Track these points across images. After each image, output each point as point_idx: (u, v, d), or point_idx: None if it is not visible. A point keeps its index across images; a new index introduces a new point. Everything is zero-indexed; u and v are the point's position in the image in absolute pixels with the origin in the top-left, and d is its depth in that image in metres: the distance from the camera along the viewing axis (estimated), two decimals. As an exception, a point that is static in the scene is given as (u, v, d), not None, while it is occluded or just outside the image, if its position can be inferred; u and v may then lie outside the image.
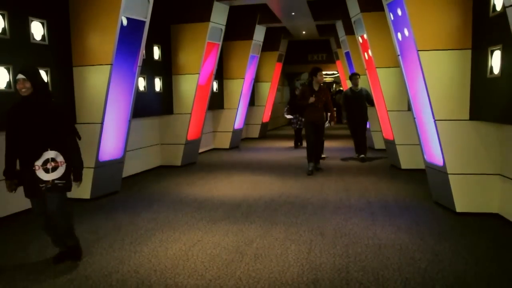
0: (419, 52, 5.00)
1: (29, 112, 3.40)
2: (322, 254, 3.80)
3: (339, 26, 11.87)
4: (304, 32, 14.28)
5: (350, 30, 10.15)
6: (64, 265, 3.61)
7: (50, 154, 3.43)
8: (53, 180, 3.44)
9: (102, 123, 5.70)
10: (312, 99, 7.32)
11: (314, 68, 7.52)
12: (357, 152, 9.35)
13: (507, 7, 3.64)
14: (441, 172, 5.14)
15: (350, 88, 9.09)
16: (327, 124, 7.58)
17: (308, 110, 7.52)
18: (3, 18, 4.77)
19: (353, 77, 9.12)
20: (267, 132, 16.03)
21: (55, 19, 5.50)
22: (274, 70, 14.58)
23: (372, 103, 8.83)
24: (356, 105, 8.88)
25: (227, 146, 11.63)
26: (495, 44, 4.34)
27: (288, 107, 11.41)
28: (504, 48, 4.20)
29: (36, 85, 3.37)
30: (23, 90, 3.34)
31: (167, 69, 8.38)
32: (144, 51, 6.62)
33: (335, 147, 11.34)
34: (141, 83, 7.50)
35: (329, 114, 8.12)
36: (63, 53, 5.66)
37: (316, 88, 7.46)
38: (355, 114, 8.94)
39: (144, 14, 6.09)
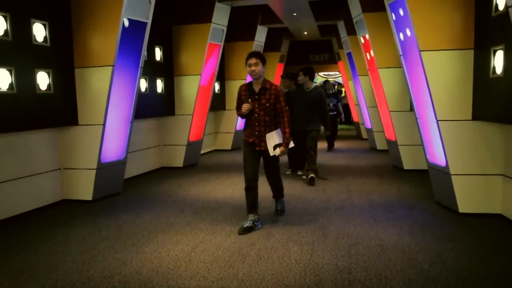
0: (421, 52, 4.99)
1: None
2: (325, 255, 3.79)
3: (341, 27, 11.88)
4: (305, 33, 14.28)
5: (352, 31, 10.16)
6: (66, 267, 3.61)
7: None
8: None
9: (104, 125, 5.70)
10: (246, 107, 4.50)
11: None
12: (291, 167, 7.68)
13: (510, 6, 3.63)
14: (443, 173, 5.13)
15: (301, 85, 7.17)
16: (273, 152, 4.48)
17: (246, 124, 4.75)
18: (5, 20, 4.77)
19: (302, 72, 7.08)
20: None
21: (57, 20, 5.51)
22: (276, 71, 14.58)
23: (323, 111, 6.91)
24: (302, 108, 6.89)
25: (229, 147, 11.64)
26: (498, 44, 4.33)
27: None
28: (506, 48, 4.18)
29: None
30: None
31: (168, 70, 8.39)
32: (145, 52, 6.62)
33: (339, 148, 11.30)
34: (143, 84, 7.51)
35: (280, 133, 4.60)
36: (65, 54, 5.66)
37: (256, 88, 4.55)
38: (298, 118, 6.84)
39: (146, 15, 6.10)
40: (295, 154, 7.48)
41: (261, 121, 4.51)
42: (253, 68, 4.46)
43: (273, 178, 4.84)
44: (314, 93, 6.93)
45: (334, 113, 10.85)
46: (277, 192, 5.07)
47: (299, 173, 7.53)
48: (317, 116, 6.93)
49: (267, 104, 4.48)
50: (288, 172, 7.71)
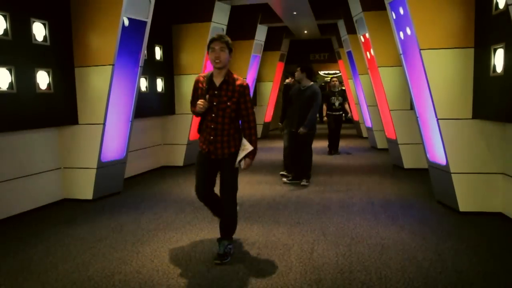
0: (421, 51, 4.99)
1: None
2: (325, 254, 3.79)
3: (341, 26, 11.87)
4: (305, 32, 14.27)
5: (352, 29, 10.16)
6: (66, 266, 3.61)
7: None
8: None
9: (104, 124, 5.70)
10: (201, 104, 3.48)
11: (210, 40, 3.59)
12: (293, 174, 6.90)
13: (510, 5, 3.63)
14: (444, 171, 5.12)
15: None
16: (238, 164, 3.67)
17: (202, 127, 3.70)
18: (5, 19, 4.77)
19: (299, 68, 6.68)
20: (269, 131, 16.03)
21: (56, 20, 5.50)
22: (276, 70, 14.57)
23: (310, 111, 6.35)
24: (298, 107, 6.51)
25: (229, 146, 11.60)
26: (498, 42, 4.32)
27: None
28: (507, 47, 4.18)
29: None
30: None
31: (168, 69, 8.38)
32: (145, 52, 6.61)
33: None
34: (143, 84, 7.50)
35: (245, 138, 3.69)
36: (64, 54, 5.66)
37: (217, 81, 3.56)
38: (294, 118, 6.58)
39: (146, 15, 6.09)
40: (289, 156, 6.95)
41: (218, 124, 3.54)
42: (217, 54, 3.47)
43: (226, 200, 3.70)
44: (307, 92, 6.46)
45: (340, 113, 9.92)
46: (226, 226, 3.78)
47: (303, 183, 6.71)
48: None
49: (229, 103, 3.51)
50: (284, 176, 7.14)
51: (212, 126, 3.56)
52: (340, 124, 10.08)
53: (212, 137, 3.58)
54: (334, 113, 9.93)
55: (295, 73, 6.74)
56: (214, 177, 3.79)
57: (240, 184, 6.72)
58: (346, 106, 10.03)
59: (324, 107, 9.80)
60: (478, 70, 4.80)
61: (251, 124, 3.63)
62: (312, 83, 6.66)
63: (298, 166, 6.76)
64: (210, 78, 3.57)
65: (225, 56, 3.50)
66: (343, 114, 10.14)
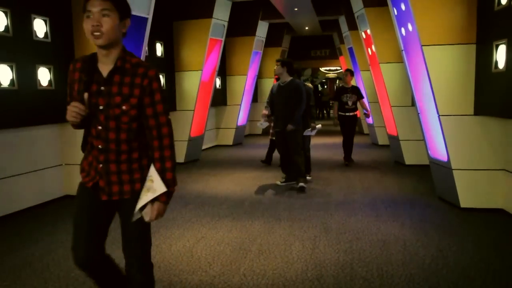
0: (423, 47, 4.97)
1: None
2: (326, 250, 3.80)
3: (342, 22, 11.85)
4: (307, 28, 14.24)
5: (353, 26, 10.13)
6: (69, 263, 3.62)
7: None
8: None
9: (105, 120, 5.69)
10: (75, 109, 2.12)
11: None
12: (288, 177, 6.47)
13: (512, 0, 3.61)
14: (445, 168, 5.12)
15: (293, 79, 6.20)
16: (138, 212, 2.18)
17: (86, 146, 2.21)
18: (6, 16, 4.76)
19: (279, 62, 6.21)
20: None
21: (57, 16, 5.50)
22: (277, 66, 14.54)
23: (298, 105, 5.96)
24: (281, 105, 6.13)
25: (230, 142, 11.64)
26: (500, 38, 4.31)
27: (268, 107, 6.92)
28: (509, 43, 4.16)
29: None
30: None
31: (170, 66, 8.38)
32: (146, 48, 6.60)
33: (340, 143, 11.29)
34: (144, 80, 7.49)
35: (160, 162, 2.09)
36: (66, 50, 5.65)
37: (104, 68, 2.04)
38: (278, 117, 6.21)
39: (146, 11, 6.08)
40: (282, 158, 6.41)
41: (109, 142, 2.08)
42: (95, 22, 1.96)
43: (133, 264, 2.33)
44: (287, 88, 6.05)
45: (354, 113, 8.07)
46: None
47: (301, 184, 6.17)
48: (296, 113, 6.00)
49: (124, 107, 2.04)
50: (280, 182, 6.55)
51: (100, 147, 2.09)
52: (353, 127, 8.15)
53: (101, 165, 2.11)
54: (345, 113, 8.03)
55: (275, 68, 6.23)
56: (106, 229, 2.40)
57: (242, 180, 6.70)
58: (364, 102, 8.37)
59: (335, 107, 8.29)
60: (480, 66, 4.79)
61: (164, 141, 2.08)
62: (291, 78, 6.12)
63: (291, 166, 6.23)
64: (91, 64, 2.09)
65: (110, 24, 1.97)
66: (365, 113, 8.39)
